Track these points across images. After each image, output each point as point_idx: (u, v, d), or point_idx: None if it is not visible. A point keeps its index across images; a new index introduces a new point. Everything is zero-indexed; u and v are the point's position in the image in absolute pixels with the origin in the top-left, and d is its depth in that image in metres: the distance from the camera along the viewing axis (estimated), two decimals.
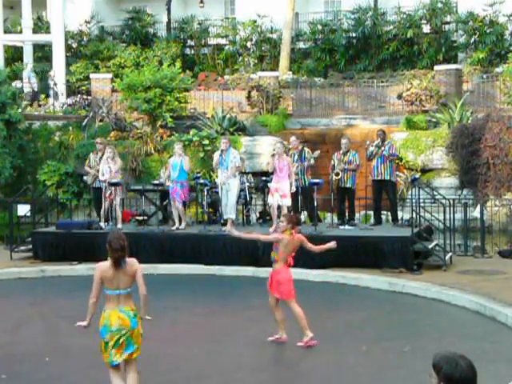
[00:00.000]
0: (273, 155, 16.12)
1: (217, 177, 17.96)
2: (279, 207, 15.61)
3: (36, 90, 26.32)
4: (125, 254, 6.82)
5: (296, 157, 16.40)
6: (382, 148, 16.11)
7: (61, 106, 25.49)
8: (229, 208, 16.01)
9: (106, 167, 16.78)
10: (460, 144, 18.59)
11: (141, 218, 17.09)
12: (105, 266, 6.86)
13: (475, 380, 3.75)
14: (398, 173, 18.26)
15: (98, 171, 17.30)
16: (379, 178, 16.20)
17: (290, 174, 15.52)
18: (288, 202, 15.58)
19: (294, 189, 15.64)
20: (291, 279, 9.70)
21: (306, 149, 16.78)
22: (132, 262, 6.93)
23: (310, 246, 9.85)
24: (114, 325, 6.71)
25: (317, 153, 16.61)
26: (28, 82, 26.28)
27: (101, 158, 17.39)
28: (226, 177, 15.85)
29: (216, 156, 16.32)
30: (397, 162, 18.28)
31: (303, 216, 17.14)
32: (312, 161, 16.47)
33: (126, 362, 6.92)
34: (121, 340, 6.72)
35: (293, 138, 16.87)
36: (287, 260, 9.67)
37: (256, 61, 30.11)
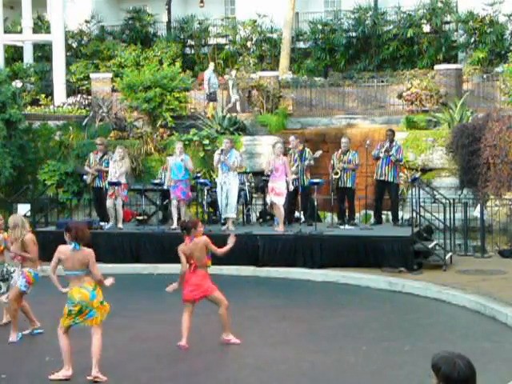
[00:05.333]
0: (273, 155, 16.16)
1: (217, 176, 17.96)
2: (273, 205, 15.69)
3: (216, 90, 24.83)
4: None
5: (296, 156, 16.39)
6: (391, 152, 16.06)
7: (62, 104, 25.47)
8: (229, 207, 16.01)
9: (113, 168, 16.78)
10: (460, 144, 18.59)
11: (141, 217, 17.10)
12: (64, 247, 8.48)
13: (474, 379, 3.75)
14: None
15: (97, 171, 17.31)
16: (382, 178, 16.17)
17: (286, 173, 15.54)
18: (281, 200, 15.59)
19: (291, 187, 15.65)
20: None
21: (307, 149, 16.78)
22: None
23: (213, 248, 9.79)
24: (76, 298, 8.30)
25: (318, 153, 16.59)
26: (208, 83, 24.70)
27: (101, 157, 17.40)
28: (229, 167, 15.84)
29: (216, 155, 16.28)
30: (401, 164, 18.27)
31: (302, 216, 17.15)
32: (312, 161, 16.45)
33: (91, 327, 8.44)
34: (83, 309, 8.33)
35: (291, 138, 16.86)
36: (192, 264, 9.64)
37: (256, 60, 30.07)
